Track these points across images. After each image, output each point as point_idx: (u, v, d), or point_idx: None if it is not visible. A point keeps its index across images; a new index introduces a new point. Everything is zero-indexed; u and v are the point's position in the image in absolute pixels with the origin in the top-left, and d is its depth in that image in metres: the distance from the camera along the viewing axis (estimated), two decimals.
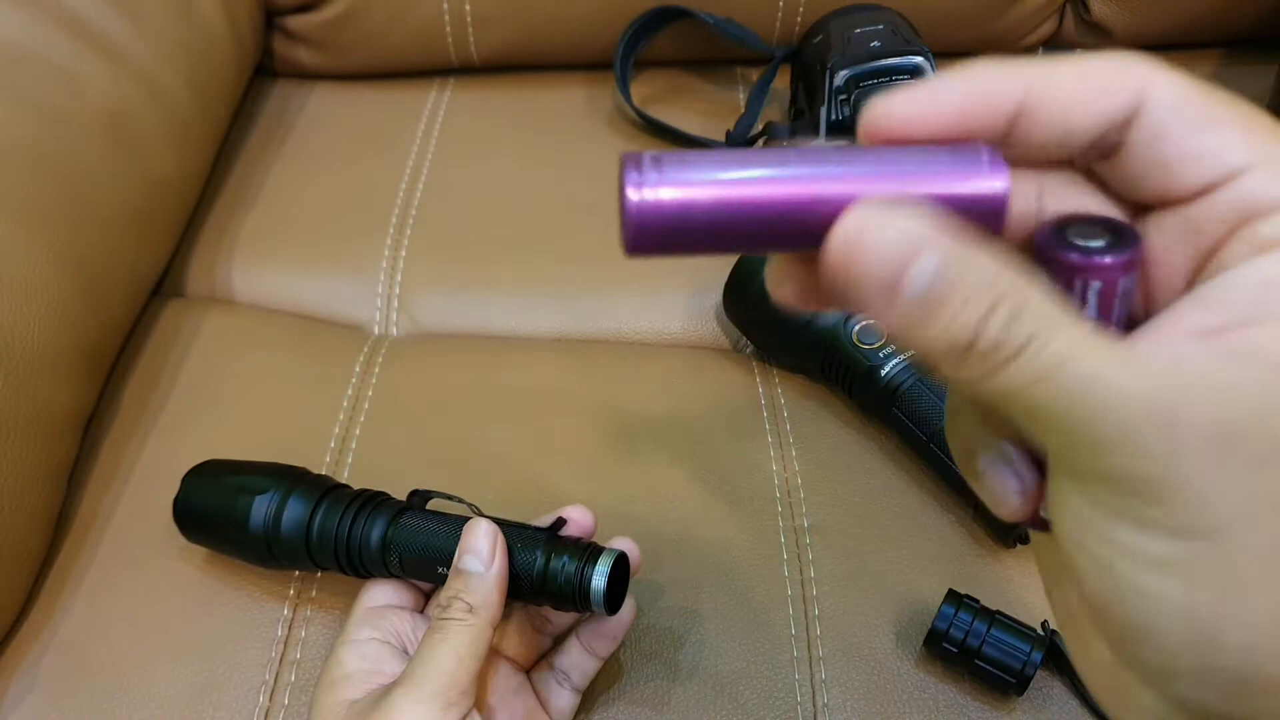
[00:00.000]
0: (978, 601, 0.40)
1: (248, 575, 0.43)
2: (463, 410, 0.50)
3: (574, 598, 0.35)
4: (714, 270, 0.54)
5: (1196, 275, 0.19)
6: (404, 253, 0.58)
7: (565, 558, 0.35)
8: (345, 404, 0.50)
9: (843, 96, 0.50)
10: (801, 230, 0.18)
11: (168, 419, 0.49)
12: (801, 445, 0.48)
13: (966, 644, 0.39)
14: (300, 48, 0.68)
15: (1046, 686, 0.40)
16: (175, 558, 0.44)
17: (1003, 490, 0.20)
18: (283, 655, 0.41)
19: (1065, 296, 0.18)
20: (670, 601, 0.42)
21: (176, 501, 0.41)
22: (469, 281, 0.57)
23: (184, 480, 0.41)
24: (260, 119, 0.67)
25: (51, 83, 0.50)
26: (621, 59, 0.64)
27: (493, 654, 0.38)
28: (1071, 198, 0.20)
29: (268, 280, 0.57)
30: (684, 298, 0.56)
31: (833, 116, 0.50)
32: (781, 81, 0.64)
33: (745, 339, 0.54)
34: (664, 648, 0.41)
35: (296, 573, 0.43)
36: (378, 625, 0.37)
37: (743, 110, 0.61)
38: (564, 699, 0.39)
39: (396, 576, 0.39)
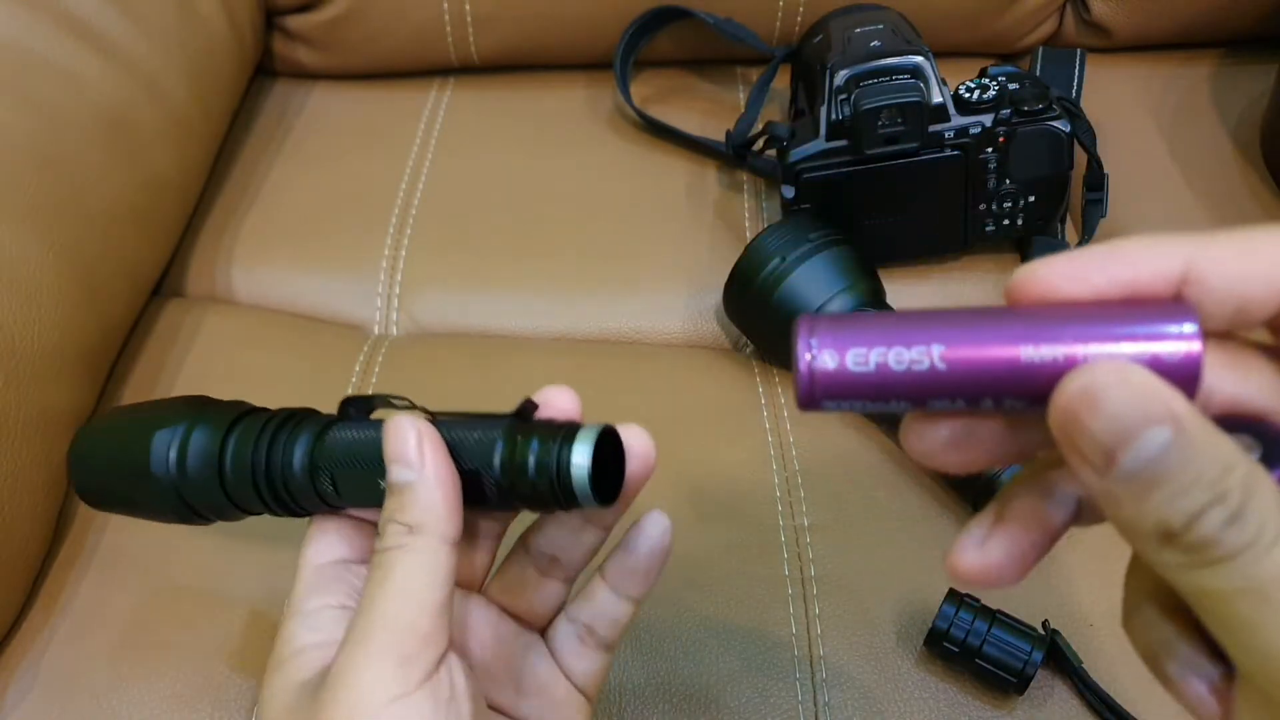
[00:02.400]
0: (978, 601, 0.40)
1: (246, 575, 0.43)
2: (458, 403, 0.50)
3: (551, 489, 0.26)
4: (715, 270, 0.54)
5: None
6: (404, 252, 0.58)
7: (534, 440, 0.27)
8: None
9: (843, 96, 0.50)
10: (1000, 390, 0.18)
11: None
12: (802, 445, 0.48)
13: (967, 643, 0.39)
14: (300, 47, 0.68)
15: (1047, 686, 0.40)
16: (174, 558, 0.44)
17: (1198, 700, 0.19)
18: None
19: None
20: (670, 600, 0.42)
21: (69, 457, 0.32)
22: (469, 281, 0.57)
23: (77, 433, 0.32)
24: (260, 119, 0.67)
25: (51, 82, 0.50)
26: (621, 58, 0.64)
27: (487, 606, 0.31)
28: (1240, 377, 0.19)
29: (267, 280, 0.57)
30: (684, 298, 0.56)
31: (833, 116, 0.50)
32: (781, 81, 0.64)
33: (746, 339, 0.54)
34: (664, 646, 0.41)
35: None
36: (330, 588, 0.30)
37: (742, 110, 0.61)
38: (589, 660, 0.31)
39: (335, 508, 0.30)
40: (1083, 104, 0.60)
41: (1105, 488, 0.17)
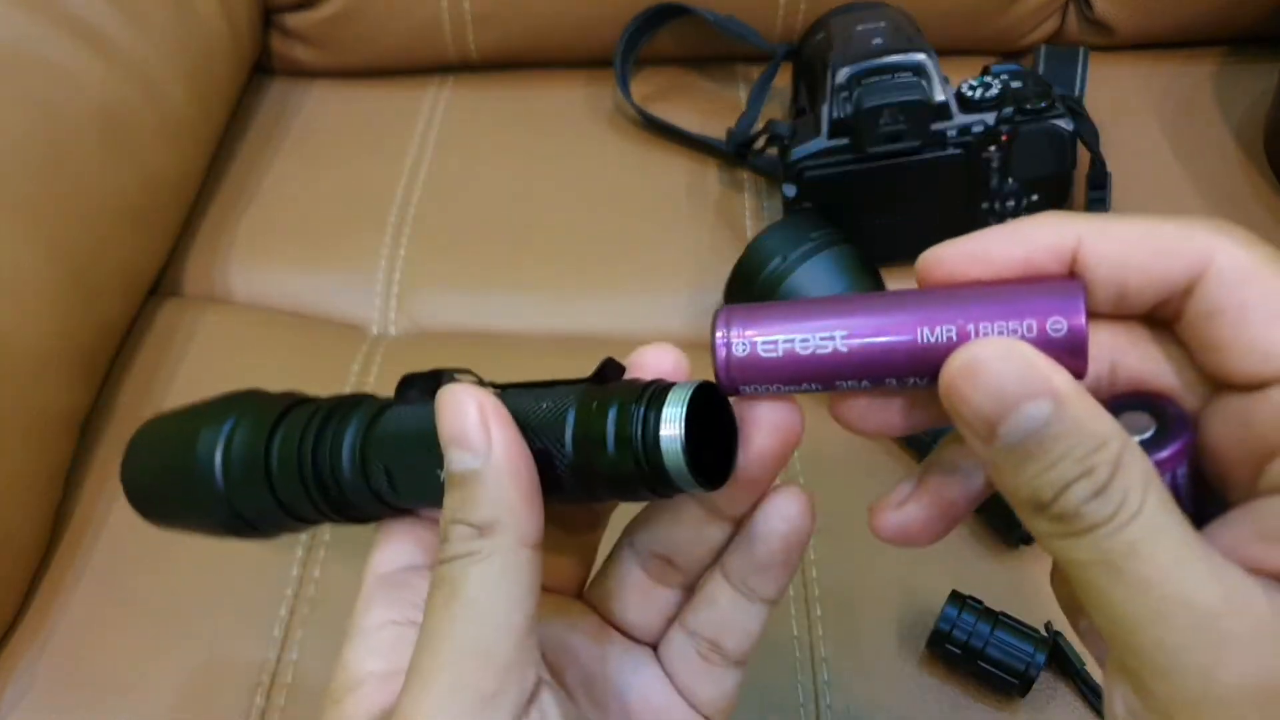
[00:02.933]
0: (981, 602, 0.40)
1: (245, 574, 0.43)
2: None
3: (637, 468, 0.20)
4: (716, 269, 0.53)
5: (1258, 470, 0.18)
6: (402, 251, 0.58)
7: (613, 405, 0.21)
8: None
9: (844, 94, 0.50)
10: (901, 370, 0.19)
11: None
12: (803, 446, 0.48)
13: (969, 645, 0.38)
14: (298, 45, 0.68)
15: (1049, 688, 0.40)
16: (173, 557, 0.43)
17: (1101, 655, 0.20)
18: (280, 656, 0.41)
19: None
20: None
21: (123, 471, 0.28)
22: (468, 280, 0.57)
23: (126, 447, 0.28)
24: (258, 117, 0.66)
25: (48, 80, 0.50)
26: (621, 56, 0.64)
27: (586, 616, 0.25)
28: (1145, 355, 0.19)
29: (265, 279, 0.57)
30: (685, 297, 0.56)
31: (835, 114, 0.50)
32: (783, 79, 0.63)
33: None
34: None
35: (295, 570, 0.43)
36: (395, 602, 0.24)
37: (743, 108, 0.61)
38: (715, 682, 0.25)
39: (397, 509, 0.25)
40: (1086, 102, 0.59)
41: (989, 457, 0.18)
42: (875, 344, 0.19)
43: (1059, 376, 0.17)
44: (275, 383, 0.50)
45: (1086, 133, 0.53)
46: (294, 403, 0.26)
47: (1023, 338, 0.18)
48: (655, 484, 0.20)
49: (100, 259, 0.50)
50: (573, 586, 0.26)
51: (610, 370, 0.23)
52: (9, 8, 0.50)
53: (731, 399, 0.21)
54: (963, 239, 0.19)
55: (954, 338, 0.18)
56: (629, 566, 0.25)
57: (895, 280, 0.52)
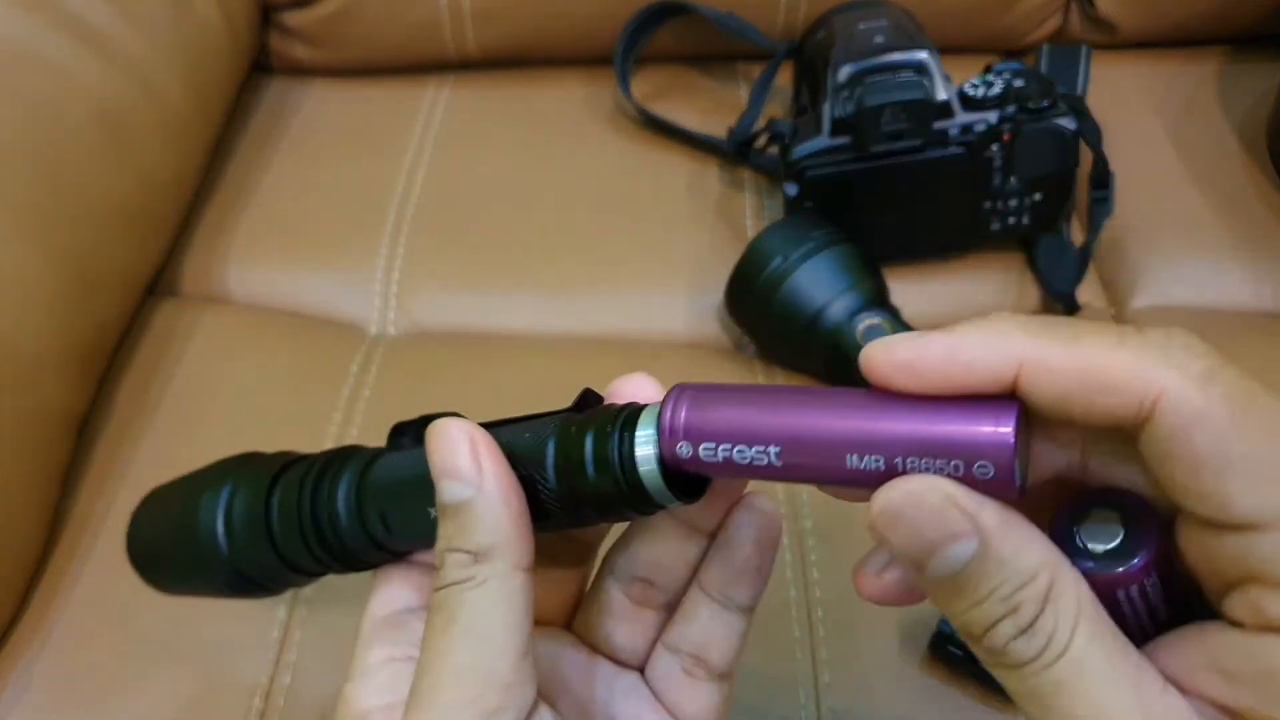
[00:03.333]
0: None
1: None
2: (460, 410, 0.49)
3: (617, 487, 0.21)
4: (716, 269, 0.53)
5: (1220, 589, 0.17)
6: (401, 251, 0.58)
7: (590, 430, 0.22)
8: (342, 404, 0.49)
9: (846, 92, 0.50)
10: (834, 484, 0.20)
11: (163, 419, 0.49)
12: None
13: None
14: (297, 43, 0.67)
15: None
16: None
17: None
18: (278, 658, 0.41)
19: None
20: None
21: (129, 544, 0.29)
22: (467, 280, 0.57)
23: (130, 519, 0.29)
24: (256, 116, 0.66)
25: (45, 79, 0.50)
26: (622, 54, 0.64)
27: (576, 646, 0.26)
28: (1116, 448, 0.19)
29: (263, 279, 0.57)
30: (685, 297, 0.55)
31: (836, 113, 0.50)
32: (784, 78, 0.63)
33: (748, 339, 0.53)
34: None
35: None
36: (395, 640, 0.25)
37: (744, 106, 0.61)
38: (702, 696, 0.26)
39: (395, 554, 0.26)
40: (1088, 101, 0.59)
41: (920, 585, 0.18)
42: (807, 465, 0.19)
43: (985, 513, 0.17)
44: (274, 383, 0.50)
45: (1089, 131, 0.53)
46: (288, 461, 0.27)
47: (949, 475, 0.18)
48: (636, 502, 0.22)
49: (98, 258, 0.49)
50: (561, 618, 0.27)
51: (589, 400, 0.24)
52: (7, 7, 0.50)
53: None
54: (901, 342, 0.19)
55: (881, 468, 0.18)
56: (611, 593, 0.26)
57: (896, 280, 0.51)
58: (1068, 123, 0.51)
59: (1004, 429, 0.17)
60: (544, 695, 0.23)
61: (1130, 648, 0.18)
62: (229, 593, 0.27)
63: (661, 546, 0.25)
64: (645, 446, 0.21)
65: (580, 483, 0.22)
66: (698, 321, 0.55)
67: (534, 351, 0.53)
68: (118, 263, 0.51)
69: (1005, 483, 0.17)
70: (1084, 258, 0.55)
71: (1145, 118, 0.63)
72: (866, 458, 0.19)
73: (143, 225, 0.54)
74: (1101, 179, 0.55)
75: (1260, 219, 0.58)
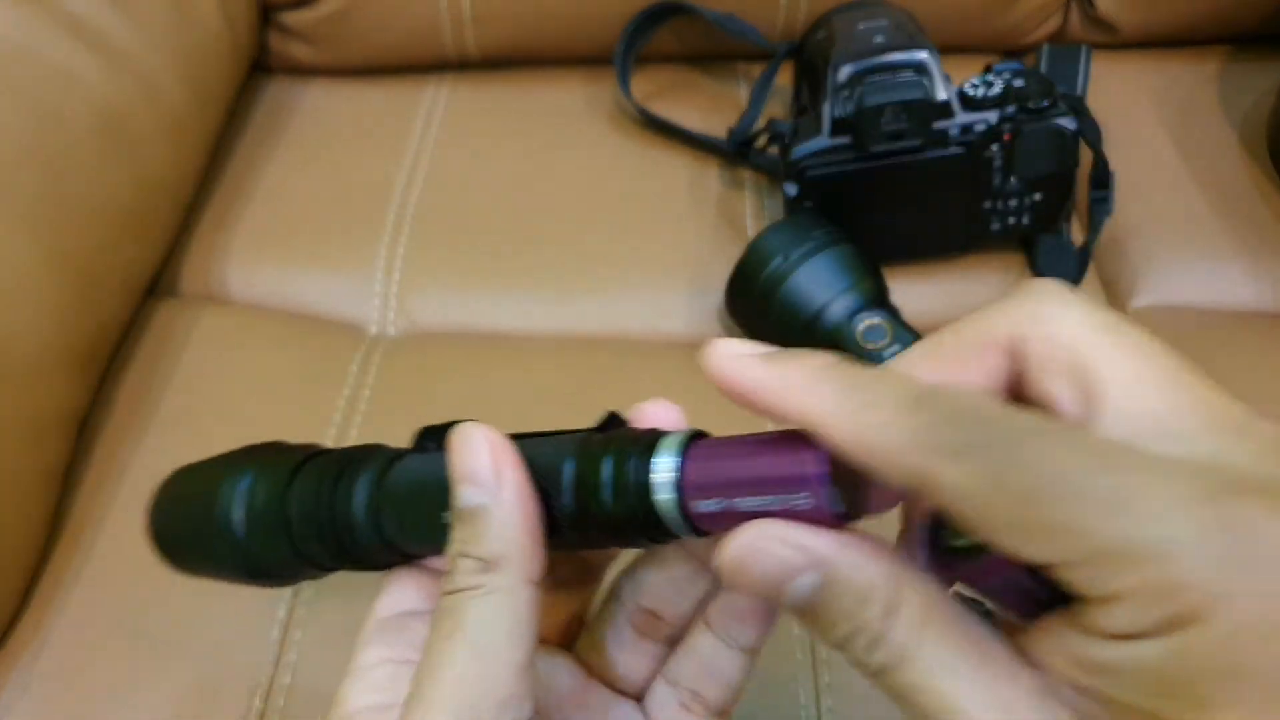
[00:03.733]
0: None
1: None
2: (460, 410, 0.49)
3: (632, 514, 0.21)
4: (716, 269, 0.53)
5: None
6: (401, 251, 0.57)
7: (610, 453, 0.22)
8: (342, 404, 0.49)
9: (846, 92, 0.50)
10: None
11: (162, 420, 0.49)
12: None
13: None
14: (296, 43, 0.67)
15: None
16: None
17: None
18: (278, 658, 0.41)
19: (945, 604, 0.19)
20: None
21: (149, 523, 0.30)
22: (467, 280, 0.57)
23: (154, 496, 0.30)
24: (256, 116, 0.66)
25: (45, 80, 0.50)
26: (622, 54, 0.64)
27: (574, 670, 0.26)
28: None
29: (263, 279, 0.57)
30: (685, 297, 0.55)
31: (836, 113, 0.50)
32: (784, 78, 0.63)
33: (748, 339, 0.53)
34: None
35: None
36: (394, 642, 0.25)
37: (744, 106, 0.61)
38: None
39: (408, 557, 0.26)
40: (1088, 101, 0.59)
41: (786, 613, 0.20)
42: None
43: (819, 543, 0.19)
44: (273, 383, 0.50)
45: (1089, 131, 0.53)
46: (312, 453, 0.27)
47: (780, 511, 0.19)
48: (650, 530, 0.21)
49: (98, 259, 0.49)
50: (562, 639, 0.27)
51: (613, 422, 0.24)
52: (6, 6, 0.50)
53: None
54: (733, 357, 0.20)
55: (720, 510, 0.20)
56: (617, 620, 0.26)
57: (896, 280, 0.51)
58: (1068, 123, 0.50)
59: (810, 468, 0.19)
60: (539, 715, 0.23)
61: (988, 638, 0.19)
62: (242, 579, 0.27)
63: (670, 579, 0.25)
64: (664, 473, 0.21)
65: (595, 504, 0.22)
66: (698, 321, 0.55)
67: (533, 351, 0.53)
68: (118, 263, 0.51)
69: (825, 511, 0.19)
70: (1084, 257, 0.55)
71: (1145, 118, 0.63)
72: (712, 499, 0.20)
73: (143, 225, 0.54)
74: (1101, 179, 0.55)
75: (1260, 219, 0.58)
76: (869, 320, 0.47)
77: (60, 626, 0.42)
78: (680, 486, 0.21)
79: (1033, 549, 0.17)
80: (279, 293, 0.56)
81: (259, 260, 0.58)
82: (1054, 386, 0.19)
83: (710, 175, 0.61)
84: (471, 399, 0.50)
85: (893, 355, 0.46)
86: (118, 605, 0.42)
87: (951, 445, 0.17)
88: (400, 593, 0.26)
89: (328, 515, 0.25)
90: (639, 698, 0.26)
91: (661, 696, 0.25)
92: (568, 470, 0.22)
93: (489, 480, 0.22)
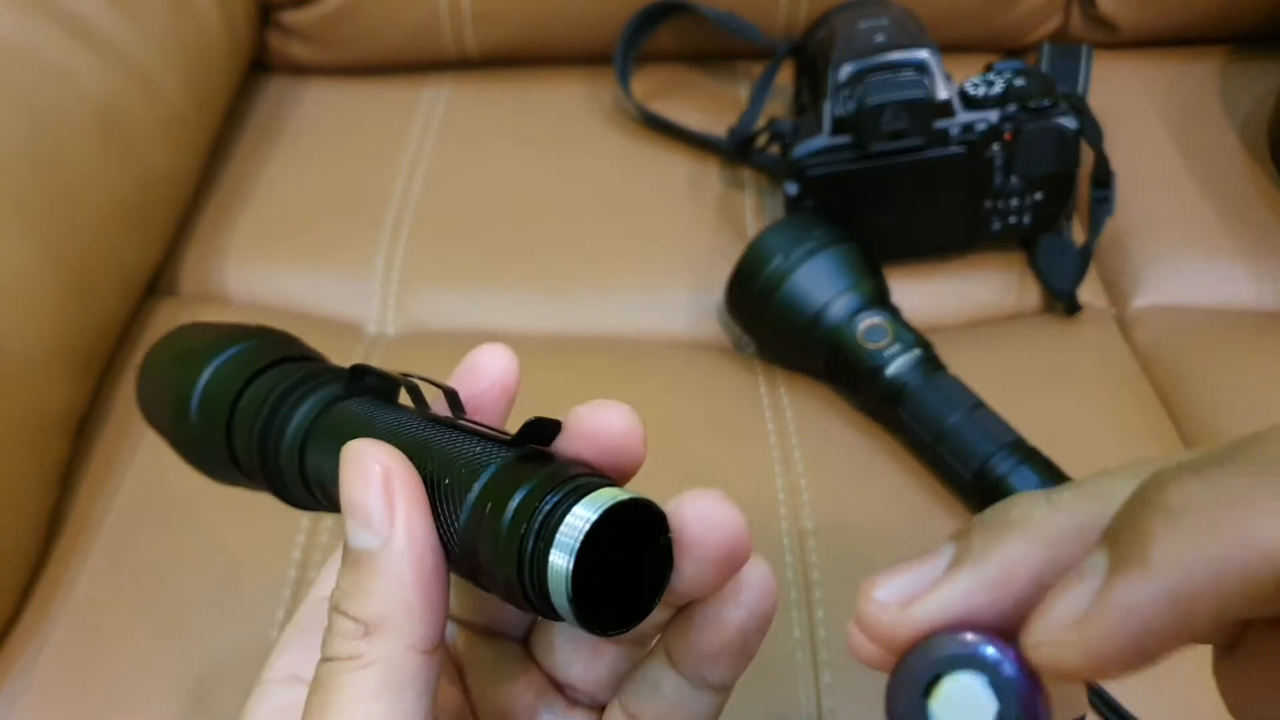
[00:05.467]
0: None
1: (242, 576, 0.43)
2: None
3: (521, 584, 0.17)
4: (716, 268, 0.53)
5: None
6: (400, 250, 0.57)
7: (517, 493, 0.18)
8: None
9: (847, 91, 0.50)
10: None
11: None
12: (805, 447, 0.47)
13: None
14: (296, 42, 0.67)
15: None
16: (169, 559, 0.43)
17: None
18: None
19: None
20: None
21: (140, 368, 0.28)
22: (466, 279, 0.57)
23: (156, 341, 0.28)
24: (255, 115, 0.66)
25: (44, 78, 0.49)
26: (622, 53, 0.64)
27: (525, 671, 0.23)
28: None
29: (263, 278, 0.57)
30: (685, 296, 0.55)
31: (837, 112, 0.50)
32: (784, 77, 0.63)
33: (748, 338, 0.53)
34: None
35: (293, 572, 0.43)
36: (312, 644, 0.20)
37: (745, 105, 0.61)
38: None
39: (321, 500, 0.23)
40: (1089, 100, 0.59)
41: None
42: None
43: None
44: None
45: (1090, 131, 0.53)
46: (286, 357, 0.25)
47: None
48: (537, 605, 0.17)
49: (96, 258, 0.49)
50: (520, 631, 0.24)
51: (544, 428, 0.19)
52: (5, 5, 0.50)
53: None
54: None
55: None
56: (531, 677, 0.22)
57: (896, 280, 0.51)
58: (1069, 122, 0.50)
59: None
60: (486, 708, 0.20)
61: None
62: (187, 458, 0.26)
63: (576, 647, 0.22)
64: (560, 557, 0.16)
65: (487, 555, 0.18)
66: (698, 321, 0.55)
67: (533, 351, 0.52)
68: (116, 262, 0.51)
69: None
70: (1085, 257, 0.55)
71: (1146, 117, 0.63)
72: None
73: (141, 224, 0.54)
74: (1102, 178, 0.55)
75: (1261, 219, 0.58)
76: (869, 320, 0.47)
77: (61, 627, 0.42)
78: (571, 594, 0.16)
79: None
80: (278, 292, 0.56)
81: (258, 259, 0.58)
82: None
83: (710, 175, 0.61)
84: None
85: (892, 356, 0.46)
86: (118, 605, 0.42)
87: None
88: (290, 654, 0.22)
89: (264, 425, 0.23)
90: (598, 708, 0.22)
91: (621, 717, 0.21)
92: (470, 503, 0.18)
93: (380, 521, 0.18)
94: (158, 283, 0.57)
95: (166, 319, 0.54)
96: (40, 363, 0.44)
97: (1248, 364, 0.51)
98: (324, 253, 0.58)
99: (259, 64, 0.69)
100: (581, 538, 0.16)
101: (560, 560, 0.16)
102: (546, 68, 0.68)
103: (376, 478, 0.18)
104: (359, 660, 0.17)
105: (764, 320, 0.50)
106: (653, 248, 0.57)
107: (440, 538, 0.19)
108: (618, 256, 0.57)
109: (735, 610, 0.19)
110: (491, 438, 0.19)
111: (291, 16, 0.66)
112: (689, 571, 0.18)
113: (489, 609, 0.21)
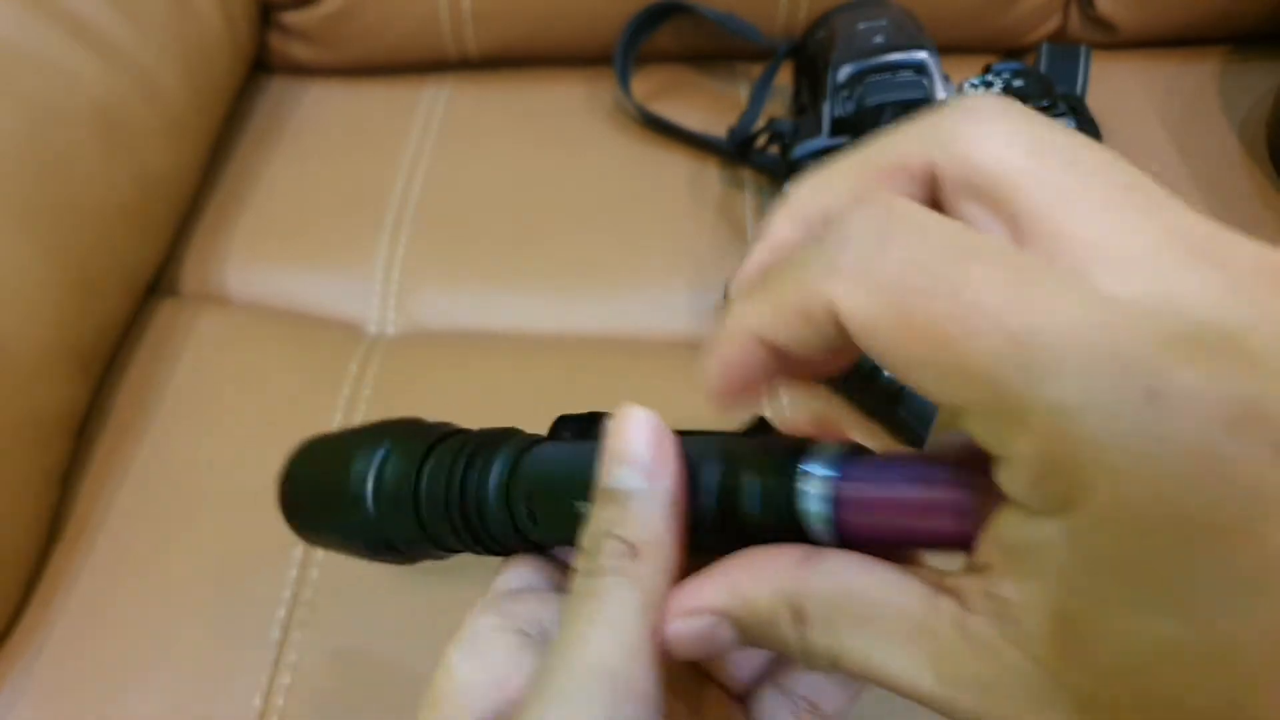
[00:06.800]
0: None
1: (242, 577, 0.43)
2: (460, 410, 0.49)
3: (779, 523, 0.20)
4: (716, 268, 0.53)
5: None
6: (401, 250, 0.57)
7: (758, 466, 0.21)
8: (341, 403, 0.49)
9: (846, 92, 0.50)
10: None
11: (162, 419, 0.49)
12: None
13: None
14: (297, 43, 0.67)
15: None
16: (169, 560, 0.43)
17: None
18: (278, 658, 0.41)
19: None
20: None
21: (280, 489, 0.29)
22: (467, 279, 0.57)
23: (287, 462, 0.30)
24: (256, 115, 0.66)
25: (45, 78, 0.50)
26: (622, 54, 0.64)
27: (680, 665, 0.23)
28: None
29: (263, 278, 0.57)
30: (685, 297, 0.55)
31: (836, 112, 0.50)
32: (784, 77, 0.63)
33: None
34: None
35: (293, 572, 0.43)
36: (506, 611, 0.23)
37: (745, 106, 0.61)
38: None
39: (532, 542, 0.25)
40: (1087, 101, 0.59)
41: None
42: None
43: (705, 596, 0.20)
44: (273, 382, 0.50)
45: (1088, 131, 0.53)
46: (445, 434, 0.27)
47: (925, 533, 0.19)
48: (793, 538, 0.20)
49: (97, 258, 0.49)
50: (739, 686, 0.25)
51: (756, 426, 0.23)
52: (6, 6, 0.50)
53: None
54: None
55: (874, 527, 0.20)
56: None
57: None
58: (1067, 122, 0.50)
59: (964, 498, 0.19)
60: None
61: (901, 587, 0.18)
62: (367, 553, 0.27)
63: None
64: (814, 499, 0.19)
65: (742, 514, 0.20)
66: (698, 321, 0.55)
67: (533, 351, 0.53)
68: (117, 262, 0.51)
69: (969, 539, 0.18)
70: None
71: (1145, 118, 0.63)
72: (863, 517, 0.20)
73: (142, 224, 0.54)
74: None
75: (1260, 219, 0.58)
76: None
77: (60, 627, 0.42)
78: (835, 501, 0.19)
79: (935, 387, 0.15)
80: (278, 292, 0.56)
81: (259, 259, 0.58)
82: (970, 214, 0.16)
83: (710, 175, 0.61)
84: (471, 398, 0.50)
85: None
86: (118, 606, 0.42)
87: (849, 267, 0.15)
88: (520, 570, 0.25)
89: (458, 497, 0.25)
90: (742, 697, 0.24)
91: (772, 703, 0.23)
92: (712, 471, 0.21)
93: (648, 465, 0.20)
94: (158, 283, 0.57)
95: (167, 319, 0.54)
96: (40, 363, 0.44)
97: None
98: (324, 253, 0.58)
99: (259, 64, 0.69)
100: (832, 484, 0.20)
101: (817, 502, 0.19)
102: (546, 68, 0.68)
103: (647, 430, 0.21)
104: (627, 574, 0.20)
105: None
106: (653, 248, 0.57)
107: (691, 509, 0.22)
108: (618, 256, 0.57)
109: None
110: (705, 431, 0.23)
111: (292, 17, 0.66)
112: None
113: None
